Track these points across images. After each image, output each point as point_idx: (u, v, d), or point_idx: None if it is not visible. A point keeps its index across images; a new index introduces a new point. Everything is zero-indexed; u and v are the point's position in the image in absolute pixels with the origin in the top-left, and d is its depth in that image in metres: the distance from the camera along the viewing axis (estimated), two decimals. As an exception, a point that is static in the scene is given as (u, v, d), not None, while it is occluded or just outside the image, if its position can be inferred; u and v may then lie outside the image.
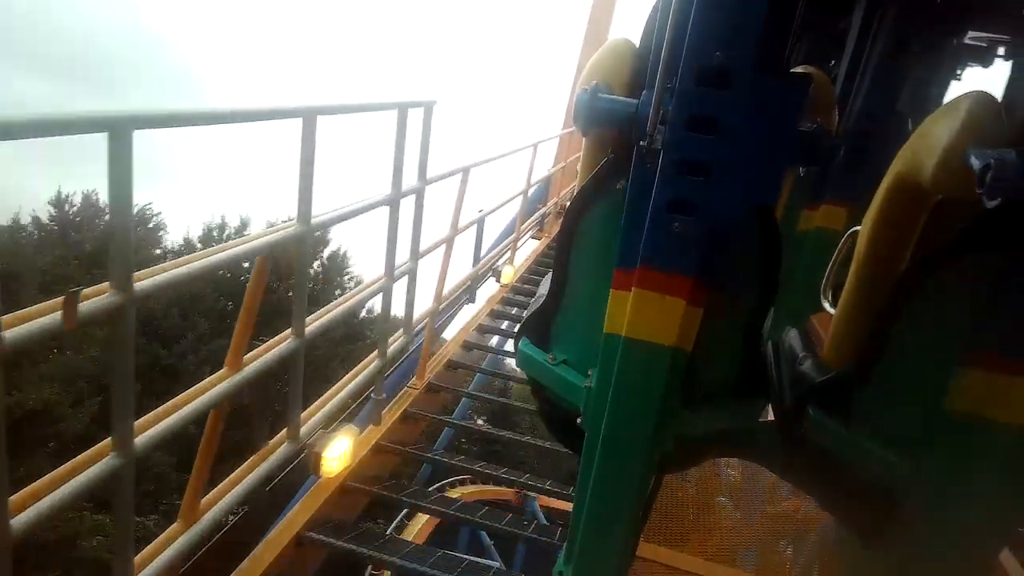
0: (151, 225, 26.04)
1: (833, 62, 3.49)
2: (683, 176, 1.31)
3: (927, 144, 1.36)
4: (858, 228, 1.66)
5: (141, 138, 1.65)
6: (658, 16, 1.41)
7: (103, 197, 25.01)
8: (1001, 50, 3.30)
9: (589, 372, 1.63)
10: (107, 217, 1.74)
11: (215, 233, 25.17)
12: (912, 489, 1.39)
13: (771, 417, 1.82)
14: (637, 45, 1.63)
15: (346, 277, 26.73)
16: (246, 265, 22.94)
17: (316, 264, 26.11)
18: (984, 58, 3.42)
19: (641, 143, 1.39)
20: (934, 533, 1.36)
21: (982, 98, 1.32)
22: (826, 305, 1.85)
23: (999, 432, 1.24)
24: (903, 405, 1.45)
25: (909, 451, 1.39)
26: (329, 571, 3.96)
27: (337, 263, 27.30)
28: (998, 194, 1.13)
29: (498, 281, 7.37)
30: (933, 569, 1.39)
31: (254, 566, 3.22)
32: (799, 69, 1.73)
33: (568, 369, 1.72)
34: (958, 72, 3.67)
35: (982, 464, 1.27)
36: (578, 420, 1.65)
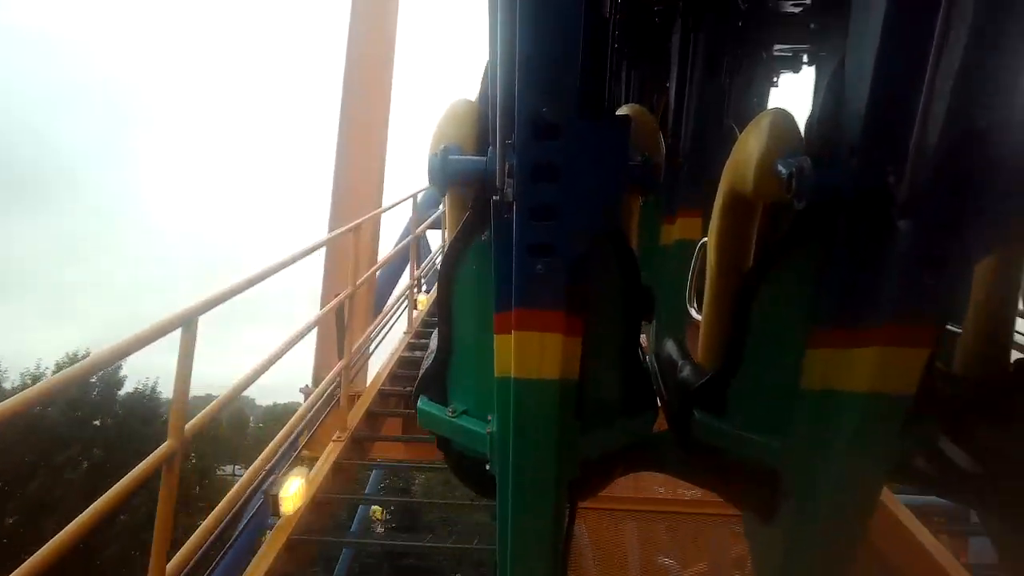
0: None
1: (668, 85, 3.82)
2: (537, 222, 1.40)
3: (743, 158, 1.54)
4: (707, 239, 1.82)
5: None
6: (490, 78, 1.51)
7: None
8: (805, 57, 3.74)
9: (489, 417, 1.67)
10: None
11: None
12: (787, 465, 1.53)
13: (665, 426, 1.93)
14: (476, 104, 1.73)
15: (161, 421, 18.56)
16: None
17: (109, 419, 19.90)
18: (794, 65, 3.86)
19: (495, 197, 1.47)
20: (810, 499, 1.50)
21: (779, 114, 1.52)
22: (692, 312, 2.01)
23: (846, 400, 1.40)
24: (769, 392, 1.60)
25: (779, 432, 1.53)
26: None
27: (144, 404, 20.94)
28: (804, 196, 1.32)
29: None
30: (816, 531, 1.53)
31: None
32: (623, 109, 1.90)
33: (468, 418, 1.75)
34: (775, 80, 4.12)
35: (838, 430, 1.42)
36: (486, 467, 1.68)
